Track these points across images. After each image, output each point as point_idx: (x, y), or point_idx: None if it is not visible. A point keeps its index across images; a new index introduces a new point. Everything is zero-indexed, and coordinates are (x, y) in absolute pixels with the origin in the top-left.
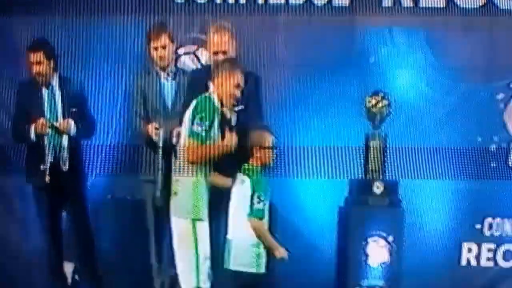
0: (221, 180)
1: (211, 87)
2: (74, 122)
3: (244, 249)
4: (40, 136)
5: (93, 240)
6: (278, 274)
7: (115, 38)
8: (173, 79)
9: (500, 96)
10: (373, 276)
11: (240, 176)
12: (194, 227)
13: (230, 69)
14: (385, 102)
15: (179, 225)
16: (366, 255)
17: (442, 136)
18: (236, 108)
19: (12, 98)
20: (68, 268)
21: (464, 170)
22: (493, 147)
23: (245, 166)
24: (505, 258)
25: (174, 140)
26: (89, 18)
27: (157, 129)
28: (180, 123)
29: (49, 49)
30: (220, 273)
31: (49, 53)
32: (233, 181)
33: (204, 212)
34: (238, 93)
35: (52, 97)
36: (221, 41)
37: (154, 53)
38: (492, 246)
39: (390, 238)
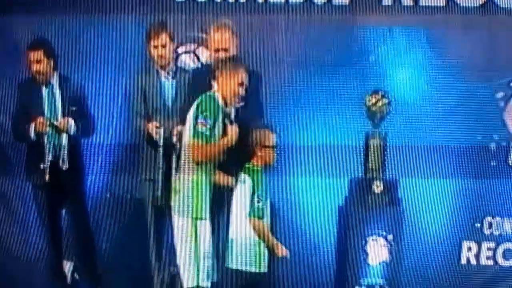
0: (224, 179)
1: (215, 86)
2: (74, 121)
3: (245, 248)
4: (40, 135)
5: (92, 238)
6: (278, 273)
7: (115, 37)
8: (173, 78)
9: (500, 94)
10: (373, 274)
11: (242, 176)
12: (194, 225)
13: (233, 67)
14: (385, 100)
15: (180, 224)
16: (366, 254)
17: (442, 134)
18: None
19: (12, 97)
20: (68, 266)
21: (464, 169)
22: (493, 145)
23: (247, 165)
24: (504, 257)
25: (175, 139)
26: (89, 17)
27: (157, 128)
28: (181, 121)
29: (49, 48)
30: (221, 272)
31: (48, 52)
32: (236, 180)
33: (205, 211)
34: (242, 91)
35: (52, 96)
36: (222, 38)
37: (154, 52)
38: (492, 245)
39: (390, 237)
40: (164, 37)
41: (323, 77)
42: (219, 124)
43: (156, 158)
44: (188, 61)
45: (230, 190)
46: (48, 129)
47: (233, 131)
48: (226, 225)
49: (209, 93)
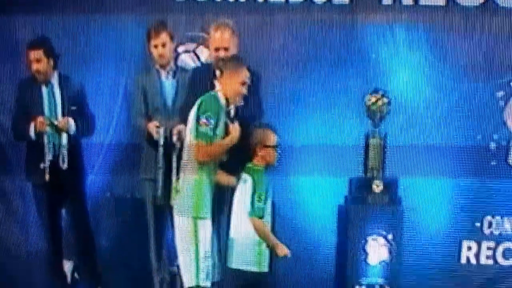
0: (226, 179)
1: (217, 85)
2: (74, 121)
3: (246, 248)
4: (39, 135)
5: (92, 238)
6: (278, 272)
7: (115, 36)
8: (173, 77)
9: (500, 93)
10: (372, 274)
11: (243, 175)
12: (195, 225)
13: (236, 67)
14: (385, 100)
15: (180, 223)
16: (366, 253)
17: (442, 134)
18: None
19: (12, 97)
20: (68, 266)
21: (464, 168)
22: (493, 145)
23: (249, 165)
24: (504, 256)
25: (175, 138)
26: (89, 17)
27: (157, 127)
28: (181, 121)
29: (49, 47)
30: (222, 271)
31: (48, 51)
32: (238, 180)
33: (206, 211)
34: (244, 90)
35: (52, 96)
36: (222, 37)
37: (154, 51)
38: (491, 244)
39: (390, 236)
40: (164, 36)
41: (323, 76)
42: (221, 123)
43: (156, 158)
44: (188, 61)
45: (232, 189)
46: (48, 129)
47: (235, 129)
48: (227, 224)
49: (211, 92)
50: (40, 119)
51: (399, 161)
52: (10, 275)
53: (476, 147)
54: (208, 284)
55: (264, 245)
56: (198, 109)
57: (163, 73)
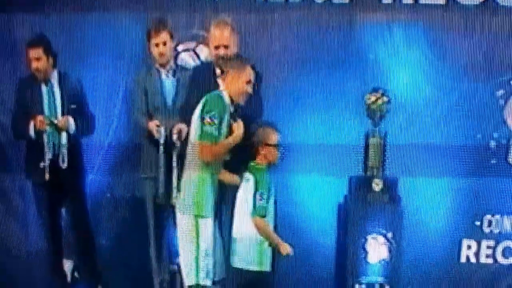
0: (230, 178)
1: (221, 84)
2: (74, 119)
3: (249, 247)
4: (39, 133)
5: (92, 237)
6: (278, 271)
7: (115, 35)
8: (173, 76)
9: (500, 92)
10: (372, 272)
11: (246, 174)
12: (196, 223)
13: (240, 65)
14: (385, 99)
15: (182, 221)
16: (366, 252)
17: (442, 132)
18: None
19: (11, 96)
20: (68, 265)
21: (464, 167)
22: (493, 143)
23: (251, 164)
24: (504, 255)
25: (175, 137)
26: (89, 15)
27: (158, 126)
28: (182, 120)
29: (48, 45)
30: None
31: (48, 50)
32: (241, 179)
33: (208, 209)
34: (249, 89)
35: (52, 94)
36: (222, 35)
37: (154, 50)
38: (491, 243)
39: (389, 235)
40: (164, 35)
41: (323, 75)
42: (226, 122)
43: (156, 157)
44: (187, 59)
45: (234, 188)
46: (47, 128)
47: (239, 127)
48: (229, 224)
49: (215, 91)
50: (40, 118)
51: (399, 160)
52: (10, 274)
53: (476, 145)
54: (208, 282)
55: (266, 244)
56: (203, 108)
57: (163, 72)
